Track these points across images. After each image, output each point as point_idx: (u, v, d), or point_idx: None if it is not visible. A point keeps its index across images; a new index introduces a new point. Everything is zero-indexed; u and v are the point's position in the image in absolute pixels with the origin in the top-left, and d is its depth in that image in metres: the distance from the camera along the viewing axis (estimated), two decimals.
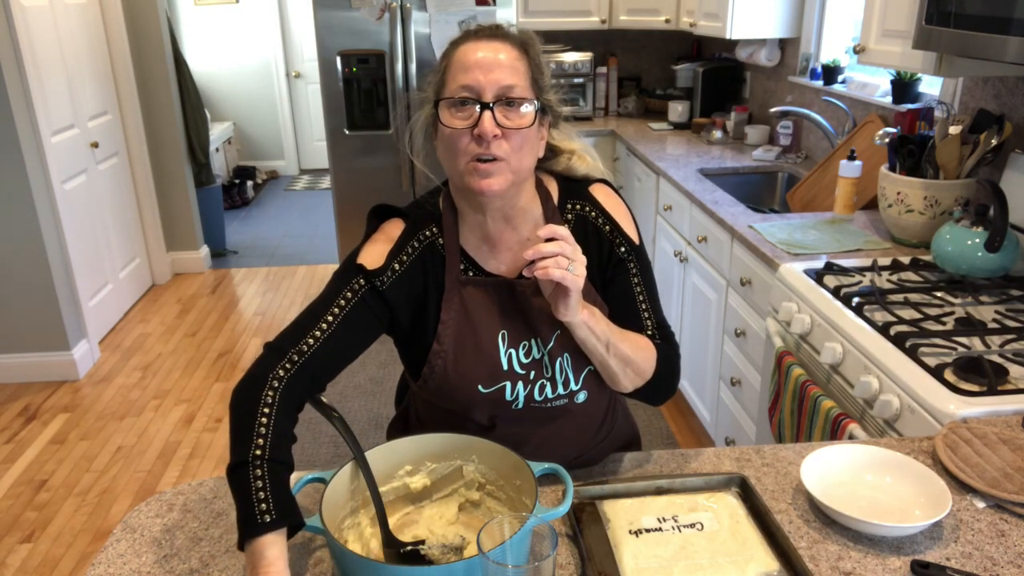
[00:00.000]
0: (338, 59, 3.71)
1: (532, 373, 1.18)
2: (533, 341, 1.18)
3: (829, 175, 2.71)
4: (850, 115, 2.91)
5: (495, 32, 1.12)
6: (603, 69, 4.33)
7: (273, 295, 4.57)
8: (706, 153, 3.44)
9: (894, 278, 1.91)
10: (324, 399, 1.09)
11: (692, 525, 1.05)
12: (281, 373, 1.07)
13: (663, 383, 1.22)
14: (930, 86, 2.58)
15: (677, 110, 3.98)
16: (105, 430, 3.17)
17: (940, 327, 1.64)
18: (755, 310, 2.30)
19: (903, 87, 2.59)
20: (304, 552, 1.04)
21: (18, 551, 2.50)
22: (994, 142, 1.96)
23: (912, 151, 2.09)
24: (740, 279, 2.36)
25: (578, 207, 1.22)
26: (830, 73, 3.11)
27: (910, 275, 1.93)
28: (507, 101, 1.07)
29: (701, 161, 3.27)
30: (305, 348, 1.10)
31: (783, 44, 3.51)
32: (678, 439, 3.03)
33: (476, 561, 0.83)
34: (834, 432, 1.62)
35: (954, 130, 2.00)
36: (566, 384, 1.19)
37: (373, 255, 1.18)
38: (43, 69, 3.47)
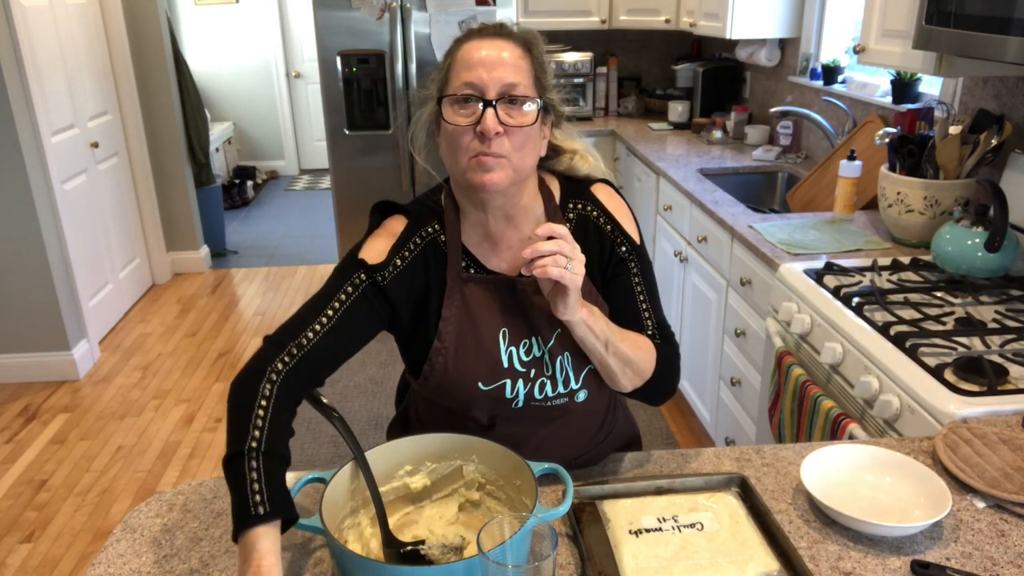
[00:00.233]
0: (338, 59, 3.71)
1: (532, 371, 1.18)
2: (534, 339, 1.18)
3: (829, 175, 2.71)
4: (850, 115, 2.91)
5: (499, 30, 1.12)
6: (603, 69, 4.33)
7: (273, 295, 4.57)
8: (706, 153, 3.44)
9: (894, 278, 1.91)
10: (324, 399, 1.09)
11: (692, 525, 1.05)
12: (279, 366, 1.07)
13: (663, 383, 1.22)
14: (930, 86, 2.58)
15: (677, 110, 3.98)
16: (105, 430, 3.17)
17: (940, 327, 1.64)
18: (755, 310, 2.30)
19: (903, 87, 2.59)
20: (304, 552, 1.04)
21: (18, 551, 2.50)
22: (994, 142, 1.96)
23: (912, 151, 2.09)
24: (740, 279, 2.36)
25: (580, 206, 1.23)
26: (830, 73, 3.11)
27: (910, 275, 1.93)
28: (510, 99, 1.07)
29: (701, 161, 3.27)
30: (304, 342, 1.10)
31: (783, 44, 3.51)
32: (678, 439, 3.03)
33: (476, 561, 0.83)
34: (834, 432, 1.62)
35: (954, 130, 2.00)
36: (566, 383, 1.19)
37: (375, 250, 1.18)
38: (43, 69, 3.47)
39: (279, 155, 7.41)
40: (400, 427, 1.39)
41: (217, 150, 6.20)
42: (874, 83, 2.88)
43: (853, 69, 3.11)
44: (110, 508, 2.69)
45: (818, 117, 3.00)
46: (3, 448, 3.05)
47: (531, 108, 1.09)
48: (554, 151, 1.24)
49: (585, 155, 1.27)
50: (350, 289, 1.15)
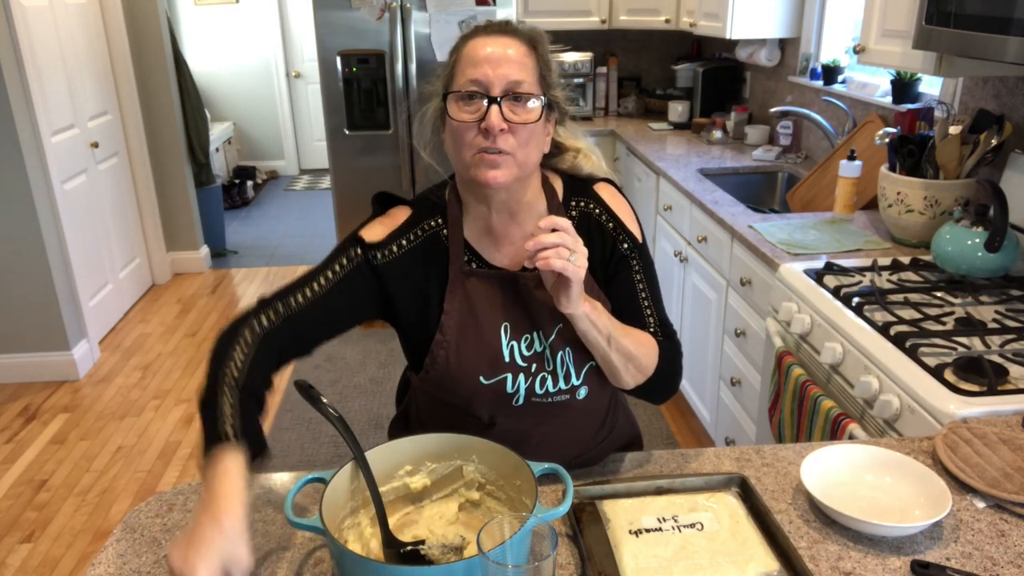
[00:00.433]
0: (338, 59, 3.71)
1: (534, 366, 1.18)
2: (535, 334, 1.19)
3: (829, 175, 2.71)
4: (850, 115, 2.91)
5: (505, 28, 1.14)
6: (603, 69, 4.33)
7: None
8: (706, 153, 3.43)
9: (894, 278, 1.91)
10: (324, 399, 1.09)
11: (692, 525, 1.05)
12: (264, 321, 1.11)
13: (665, 380, 1.22)
14: (930, 86, 2.58)
15: (677, 110, 3.98)
16: (105, 430, 3.17)
17: (940, 327, 1.64)
18: (755, 310, 2.30)
19: (903, 87, 2.59)
20: (304, 552, 1.04)
21: (18, 551, 2.50)
22: (994, 142, 1.96)
23: (912, 151, 2.09)
24: (740, 279, 2.36)
25: (582, 204, 1.23)
26: (830, 73, 3.11)
27: (910, 275, 1.93)
28: (514, 96, 1.09)
29: (701, 161, 3.27)
30: (293, 303, 1.14)
31: (783, 44, 3.50)
32: (678, 439, 3.03)
33: (476, 561, 0.83)
34: (834, 432, 1.62)
35: (954, 130, 1.99)
36: (567, 378, 1.19)
37: (374, 232, 1.21)
38: (43, 69, 3.47)
39: (279, 155, 7.41)
40: (401, 426, 1.39)
41: (217, 150, 6.20)
42: (874, 83, 2.88)
43: (853, 69, 3.11)
44: (110, 508, 2.69)
45: (818, 117, 3.00)
46: (3, 448, 3.05)
47: (535, 105, 1.10)
48: (557, 148, 1.25)
49: (588, 154, 1.28)
50: (344, 261, 1.18)
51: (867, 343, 1.61)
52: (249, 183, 6.64)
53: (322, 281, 1.16)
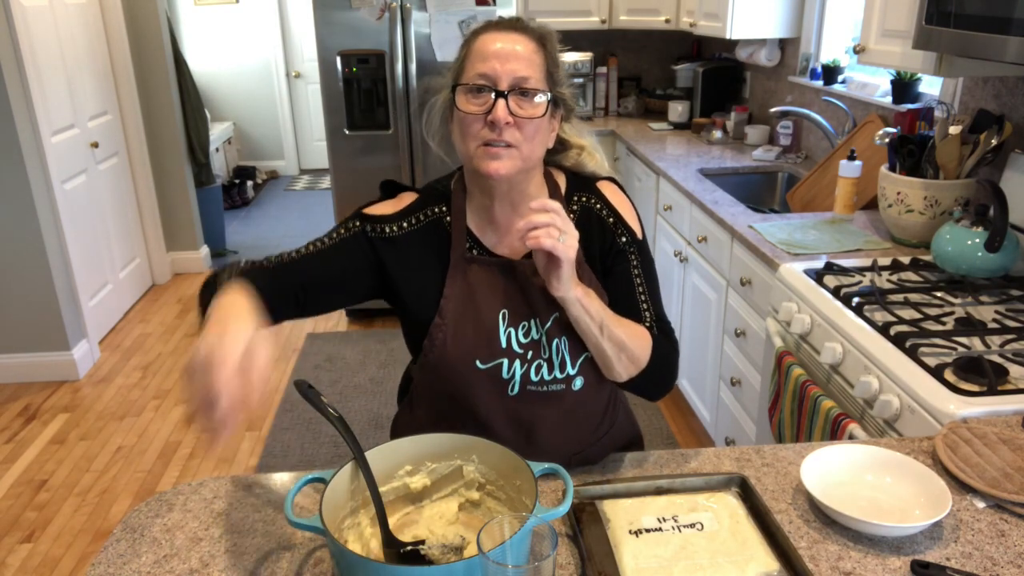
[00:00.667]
0: (338, 59, 3.71)
1: (530, 353, 1.20)
2: (532, 321, 1.21)
3: (829, 175, 2.71)
4: (850, 115, 2.91)
5: (515, 24, 1.16)
6: (603, 69, 4.33)
7: None
8: (706, 153, 3.43)
9: (894, 278, 1.91)
10: (324, 399, 1.09)
11: (692, 525, 1.05)
12: (251, 265, 1.18)
13: (658, 375, 1.23)
14: (930, 86, 2.58)
15: (677, 110, 3.98)
16: (105, 430, 3.17)
17: (940, 327, 1.64)
18: (755, 310, 2.30)
19: (903, 87, 2.59)
20: (304, 552, 1.04)
21: (18, 551, 2.50)
22: (994, 142, 1.96)
23: (912, 151, 2.09)
24: (740, 279, 2.36)
25: (584, 199, 1.27)
26: (830, 73, 3.11)
27: (910, 275, 1.93)
28: (521, 91, 1.12)
29: (701, 161, 3.27)
30: (285, 258, 1.21)
31: (783, 44, 3.51)
32: (678, 439, 3.03)
33: (476, 561, 0.83)
34: (834, 432, 1.62)
35: (954, 130, 1.99)
36: (562, 366, 1.21)
37: (378, 209, 1.25)
38: (43, 69, 3.47)
39: (279, 155, 7.40)
40: (403, 422, 1.41)
41: (217, 150, 6.20)
42: (874, 83, 2.88)
43: (853, 69, 3.11)
44: (110, 508, 2.69)
45: (818, 117, 3.00)
46: (3, 448, 3.05)
47: (541, 100, 1.13)
48: (562, 145, 1.28)
49: (592, 152, 1.31)
50: (342, 231, 1.24)
51: (867, 343, 1.61)
52: (249, 183, 6.64)
53: (317, 244, 1.23)
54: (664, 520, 1.06)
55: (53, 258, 3.41)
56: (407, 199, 1.27)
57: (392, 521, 1.06)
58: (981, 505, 1.10)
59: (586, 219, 1.24)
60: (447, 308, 1.20)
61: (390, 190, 1.30)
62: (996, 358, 1.50)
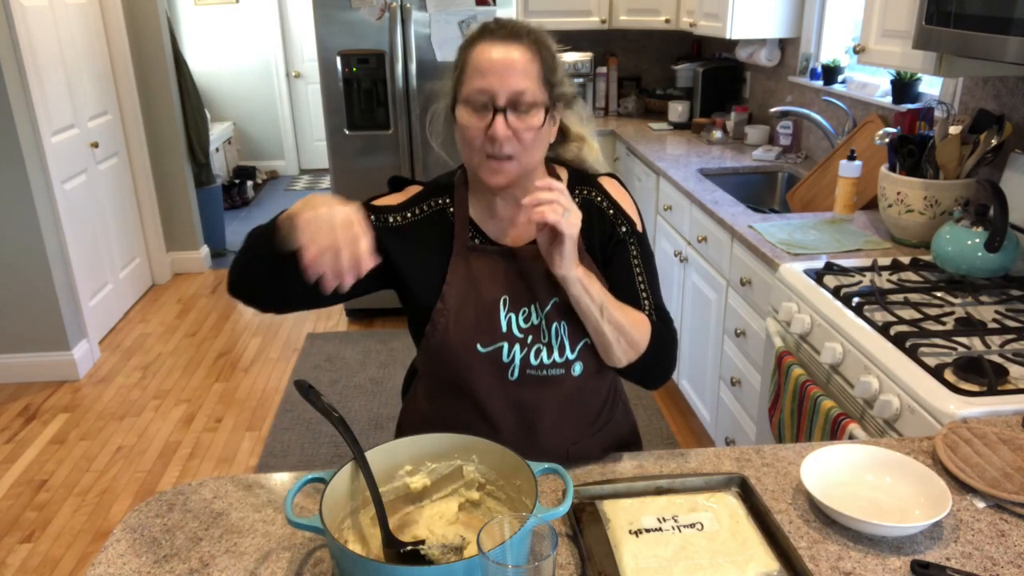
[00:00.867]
0: (338, 59, 3.71)
1: (529, 337, 1.23)
2: (532, 307, 1.23)
3: (829, 175, 2.71)
4: (850, 115, 2.91)
5: (509, 33, 1.17)
6: (603, 69, 4.33)
7: None
8: (706, 153, 3.43)
9: (894, 278, 1.91)
10: (324, 399, 1.09)
11: (692, 525, 1.05)
12: None
13: (658, 361, 1.25)
14: (930, 86, 2.58)
15: (677, 110, 3.98)
16: (105, 430, 3.17)
17: (940, 327, 1.64)
18: (755, 310, 2.30)
19: (903, 87, 2.59)
20: (304, 552, 1.04)
21: (18, 551, 2.50)
22: (994, 142, 1.96)
23: (912, 151, 2.09)
24: (740, 279, 2.36)
25: (585, 191, 1.30)
26: (830, 73, 3.11)
27: (910, 275, 1.93)
28: (519, 105, 1.14)
29: (701, 161, 3.27)
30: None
31: (783, 44, 3.50)
32: (678, 439, 3.03)
33: (476, 561, 0.83)
34: (834, 432, 1.62)
35: (954, 130, 1.99)
36: (561, 350, 1.23)
37: (383, 200, 1.30)
38: (43, 69, 3.47)
39: (279, 155, 7.40)
40: (407, 412, 1.43)
41: (217, 150, 6.20)
42: (874, 83, 2.88)
43: (853, 69, 3.11)
44: (110, 508, 2.69)
45: (818, 117, 3.00)
46: (3, 448, 3.05)
47: (539, 112, 1.16)
48: (563, 135, 1.31)
49: (591, 143, 1.34)
50: None
51: (867, 343, 1.61)
52: (249, 183, 6.64)
53: None
54: (664, 520, 1.06)
55: (53, 258, 3.41)
56: (412, 191, 1.31)
57: (392, 521, 1.06)
58: (981, 505, 1.10)
59: (587, 210, 1.27)
60: (449, 294, 1.24)
61: (397, 185, 1.34)
62: (996, 358, 1.50)
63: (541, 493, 1.13)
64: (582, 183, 1.30)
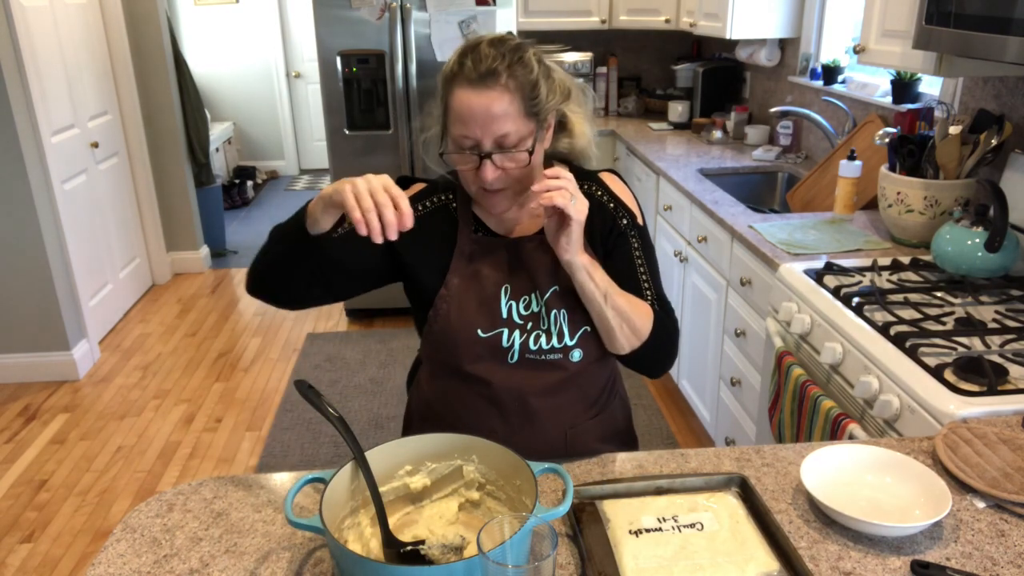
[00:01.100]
0: (338, 59, 3.71)
1: (529, 324, 1.26)
2: (533, 295, 1.26)
3: (829, 175, 2.71)
4: (850, 115, 2.91)
5: (486, 74, 1.14)
6: (603, 69, 4.33)
7: None
8: (706, 153, 3.43)
9: (894, 278, 1.91)
10: (324, 399, 1.09)
11: (692, 525, 1.05)
12: None
13: (660, 349, 1.27)
14: (930, 86, 2.58)
15: (677, 110, 3.98)
16: (105, 430, 3.17)
17: (940, 327, 1.64)
18: (755, 310, 2.30)
19: (903, 87, 2.59)
20: (304, 552, 1.04)
21: (18, 551, 2.50)
22: (994, 142, 1.96)
23: (912, 151, 2.09)
24: (740, 279, 2.36)
25: (585, 186, 1.32)
26: (830, 73, 3.11)
27: (910, 275, 1.93)
28: (504, 147, 1.17)
29: (701, 161, 3.27)
30: None
31: (783, 44, 3.50)
32: (678, 439, 3.03)
33: (476, 561, 0.83)
34: (834, 432, 1.62)
35: (954, 130, 1.99)
36: (560, 336, 1.25)
37: None
38: (43, 69, 3.47)
39: (279, 155, 7.40)
40: (412, 402, 1.46)
41: (217, 150, 6.20)
42: (874, 83, 2.88)
43: (853, 69, 3.11)
44: (110, 508, 2.69)
45: (818, 117, 3.00)
46: (3, 448, 3.05)
47: (526, 144, 1.18)
48: (561, 126, 1.31)
49: (590, 141, 1.35)
50: None
51: (867, 343, 1.61)
52: (249, 183, 6.64)
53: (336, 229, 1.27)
54: (664, 520, 1.06)
55: (53, 258, 3.41)
56: (417, 187, 1.35)
57: (392, 521, 1.06)
58: (981, 505, 1.10)
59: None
60: (452, 281, 1.28)
61: (403, 184, 1.36)
62: (996, 358, 1.50)
63: (541, 493, 1.13)
64: (583, 178, 1.32)
